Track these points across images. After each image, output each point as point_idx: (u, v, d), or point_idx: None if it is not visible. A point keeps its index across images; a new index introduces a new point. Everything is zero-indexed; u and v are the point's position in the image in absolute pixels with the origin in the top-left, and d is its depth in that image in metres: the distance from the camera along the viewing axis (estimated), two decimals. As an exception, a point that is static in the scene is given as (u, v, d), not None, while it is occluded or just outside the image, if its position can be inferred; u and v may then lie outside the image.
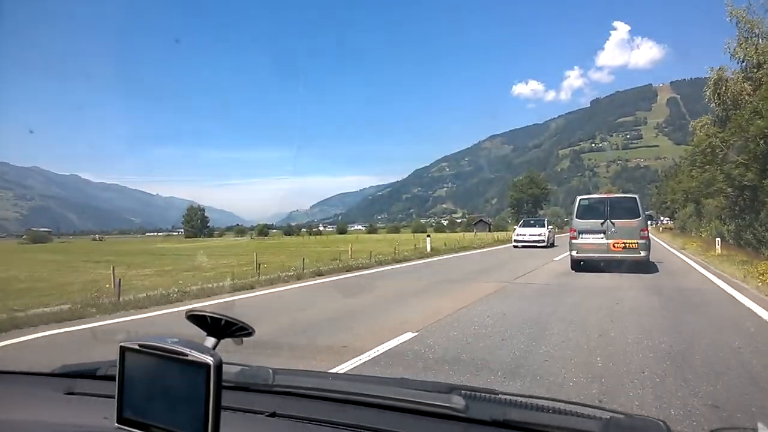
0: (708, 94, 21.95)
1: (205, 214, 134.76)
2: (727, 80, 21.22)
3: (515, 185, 71.57)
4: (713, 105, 22.02)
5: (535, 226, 23.83)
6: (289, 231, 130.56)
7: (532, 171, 76.19)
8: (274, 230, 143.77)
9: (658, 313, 6.35)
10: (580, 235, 11.68)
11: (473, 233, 50.46)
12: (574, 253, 11.78)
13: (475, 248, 24.41)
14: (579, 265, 11.86)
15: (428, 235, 20.03)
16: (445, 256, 18.34)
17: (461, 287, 9.45)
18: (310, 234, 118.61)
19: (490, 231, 64.99)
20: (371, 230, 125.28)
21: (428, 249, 18.33)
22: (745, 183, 19.85)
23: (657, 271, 11.82)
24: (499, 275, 11.40)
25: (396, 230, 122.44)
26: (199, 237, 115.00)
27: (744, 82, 21.03)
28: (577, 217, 11.94)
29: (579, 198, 12.55)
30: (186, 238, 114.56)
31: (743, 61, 21.15)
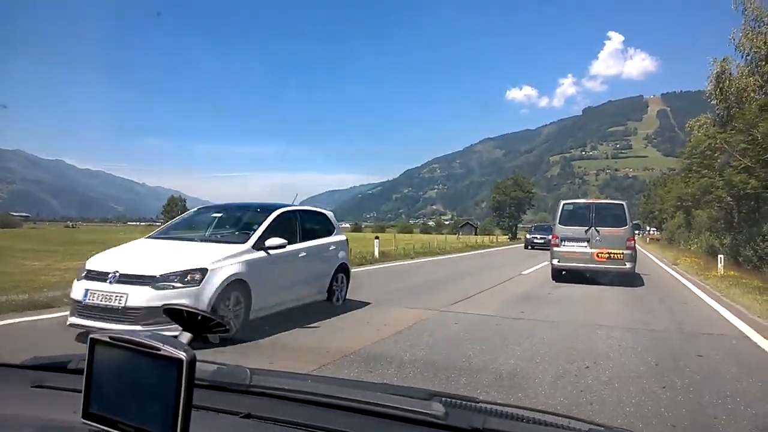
0: (709, 89, 19.48)
1: (186, 206, 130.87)
2: (731, 74, 18.81)
3: (498, 187, 66.91)
4: (714, 102, 19.51)
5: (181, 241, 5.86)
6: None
7: (516, 174, 71.16)
8: None
9: (658, 396, 3.51)
10: (563, 243, 10.89)
11: (457, 236, 50.54)
12: (555, 261, 10.94)
13: (439, 253, 21.40)
14: (560, 275, 11.00)
15: (377, 237, 16.65)
16: (393, 263, 15.26)
17: (363, 318, 6.45)
18: None
19: (476, 234, 63.42)
20: (356, 229, 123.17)
21: (376, 254, 15.30)
22: (748, 191, 17.52)
23: (649, 295, 9.35)
24: (436, 295, 8.57)
25: (381, 230, 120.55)
26: None
27: (750, 77, 18.70)
28: (559, 223, 11.06)
29: (563, 202, 11.65)
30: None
31: (749, 54, 18.85)
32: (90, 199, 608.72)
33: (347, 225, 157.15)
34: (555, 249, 10.98)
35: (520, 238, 56.34)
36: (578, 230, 10.71)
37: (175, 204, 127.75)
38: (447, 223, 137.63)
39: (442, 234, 72.26)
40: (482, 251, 24.34)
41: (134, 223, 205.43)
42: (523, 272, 12.97)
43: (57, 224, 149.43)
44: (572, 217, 11.11)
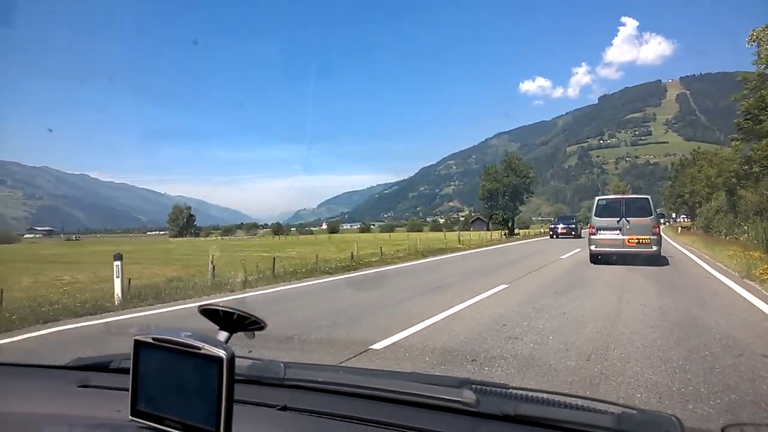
0: None
1: (192, 213, 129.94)
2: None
3: (488, 172, 52.13)
4: None
5: None
6: (278, 230, 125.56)
7: (510, 156, 54.93)
8: (264, 229, 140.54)
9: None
10: (599, 232, 12.64)
11: (458, 233, 44.98)
12: (592, 247, 12.71)
13: (411, 259, 15.99)
14: (597, 259, 12.73)
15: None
16: (316, 282, 10.58)
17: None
18: (300, 233, 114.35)
19: (488, 229, 57.42)
20: (363, 229, 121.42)
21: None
22: None
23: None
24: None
25: (391, 229, 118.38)
26: (184, 236, 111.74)
27: None
28: (595, 215, 12.89)
29: (597, 198, 13.78)
30: (170, 237, 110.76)
31: None
32: (114, 211, 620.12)
33: (357, 226, 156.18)
34: (592, 237, 12.75)
35: (518, 234, 47.05)
36: (611, 221, 12.39)
37: (179, 212, 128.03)
38: (462, 219, 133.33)
39: (454, 231, 68.32)
40: (442, 258, 17.39)
41: (154, 232, 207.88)
42: (424, 323, 5.88)
43: (65, 237, 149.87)
44: (605, 210, 12.76)
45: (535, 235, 43.26)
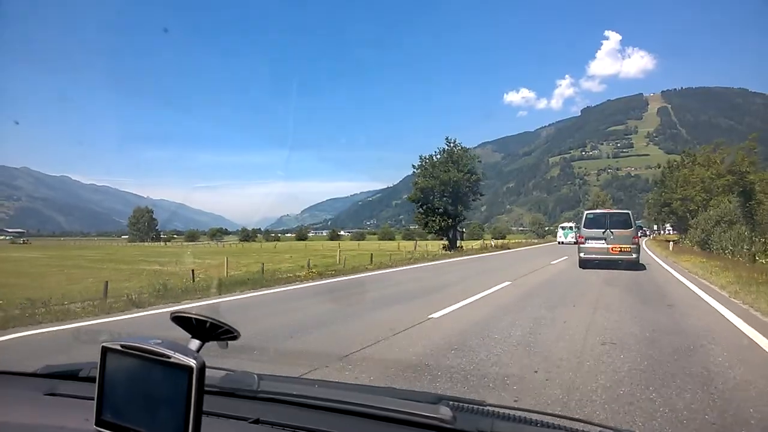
0: None
1: (153, 216, 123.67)
2: None
3: (423, 166, 36.69)
4: None
5: None
6: (246, 237, 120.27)
7: (451, 141, 38.44)
8: (229, 235, 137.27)
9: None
10: (587, 241, 14.74)
11: (414, 243, 38.82)
12: (581, 254, 14.84)
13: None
14: (585, 264, 14.63)
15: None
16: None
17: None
18: (267, 240, 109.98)
19: (462, 239, 51.16)
20: (333, 237, 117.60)
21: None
22: None
23: None
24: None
25: (361, 237, 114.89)
26: (145, 241, 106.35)
27: None
28: (584, 227, 15.09)
29: (585, 212, 16.12)
30: (129, 242, 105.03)
31: None
32: (95, 214, 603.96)
33: (326, 233, 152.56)
34: (581, 245, 14.99)
35: (462, 248, 35.28)
36: (598, 232, 14.58)
37: (141, 215, 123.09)
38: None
39: (427, 239, 62.96)
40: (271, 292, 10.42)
41: (127, 235, 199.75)
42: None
43: (40, 239, 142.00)
44: (593, 222, 14.92)
45: (483, 249, 34.06)
